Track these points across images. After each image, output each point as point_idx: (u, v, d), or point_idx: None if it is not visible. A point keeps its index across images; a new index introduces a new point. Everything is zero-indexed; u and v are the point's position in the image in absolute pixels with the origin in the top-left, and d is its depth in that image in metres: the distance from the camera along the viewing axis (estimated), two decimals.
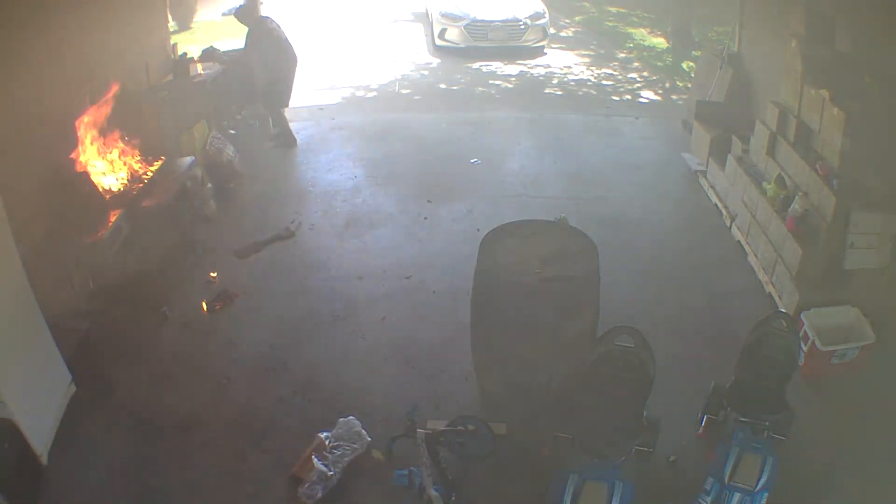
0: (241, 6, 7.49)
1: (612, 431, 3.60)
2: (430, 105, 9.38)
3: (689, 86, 9.59)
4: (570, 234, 4.43)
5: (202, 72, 7.65)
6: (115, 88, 5.77)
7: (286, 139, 7.92)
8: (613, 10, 14.23)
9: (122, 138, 5.98)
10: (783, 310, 5.00)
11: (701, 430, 4.13)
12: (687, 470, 3.97)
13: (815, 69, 5.27)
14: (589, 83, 10.47)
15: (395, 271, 5.80)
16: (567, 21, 13.62)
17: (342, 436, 4.10)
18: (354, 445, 4.06)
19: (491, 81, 10.41)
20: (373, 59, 11.23)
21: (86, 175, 5.30)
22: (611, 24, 13.53)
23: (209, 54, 7.91)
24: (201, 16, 12.63)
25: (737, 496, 3.45)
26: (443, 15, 11.38)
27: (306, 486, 3.86)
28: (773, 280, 5.40)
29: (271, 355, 4.93)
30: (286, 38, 7.65)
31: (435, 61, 11.23)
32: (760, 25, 6.94)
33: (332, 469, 3.93)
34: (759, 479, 3.44)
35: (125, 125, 5.97)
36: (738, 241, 6.10)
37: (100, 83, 5.61)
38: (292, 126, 8.00)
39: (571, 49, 11.98)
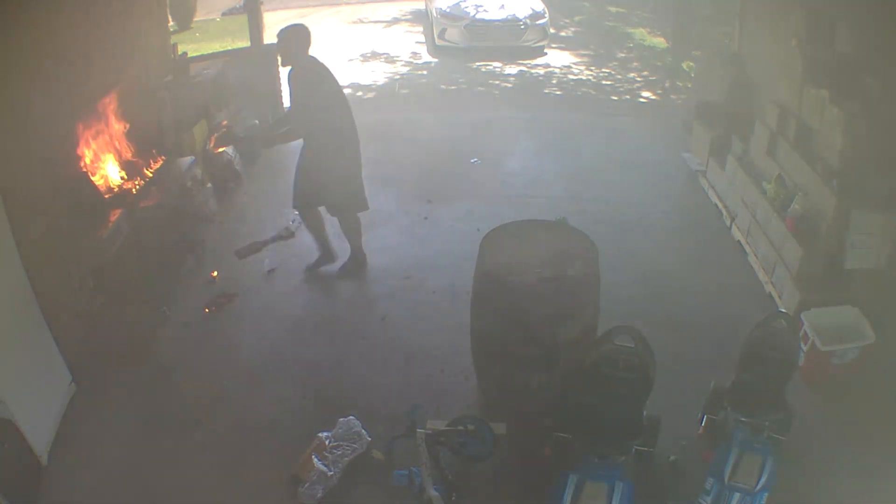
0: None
1: (611, 431, 3.60)
2: (430, 105, 9.38)
3: (689, 86, 9.59)
4: (570, 234, 4.42)
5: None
6: (117, 88, 5.76)
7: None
8: (613, 10, 14.21)
9: (123, 138, 5.97)
10: (783, 310, 5.00)
11: (701, 430, 4.13)
12: (687, 470, 3.97)
13: (815, 69, 5.26)
14: (589, 83, 10.46)
15: (395, 271, 5.80)
16: (567, 21, 13.61)
17: (342, 436, 4.10)
18: (354, 445, 4.06)
19: (491, 81, 10.41)
20: (372, 58, 11.22)
21: (86, 175, 5.29)
22: (611, 24, 13.51)
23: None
24: (201, 16, 12.64)
25: (737, 496, 3.45)
26: (443, 15, 11.38)
27: (306, 486, 3.86)
28: (773, 280, 5.40)
29: (271, 355, 4.93)
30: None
31: (435, 61, 11.23)
32: (760, 25, 6.94)
33: (332, 469, 3.93)
34: (759, 479, 3.44)
35: (125, 125, 5.96)
36: (738, 241, 6.09)
37: (100, 83, 5.61)
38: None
39: (571, 49, 11.98)
